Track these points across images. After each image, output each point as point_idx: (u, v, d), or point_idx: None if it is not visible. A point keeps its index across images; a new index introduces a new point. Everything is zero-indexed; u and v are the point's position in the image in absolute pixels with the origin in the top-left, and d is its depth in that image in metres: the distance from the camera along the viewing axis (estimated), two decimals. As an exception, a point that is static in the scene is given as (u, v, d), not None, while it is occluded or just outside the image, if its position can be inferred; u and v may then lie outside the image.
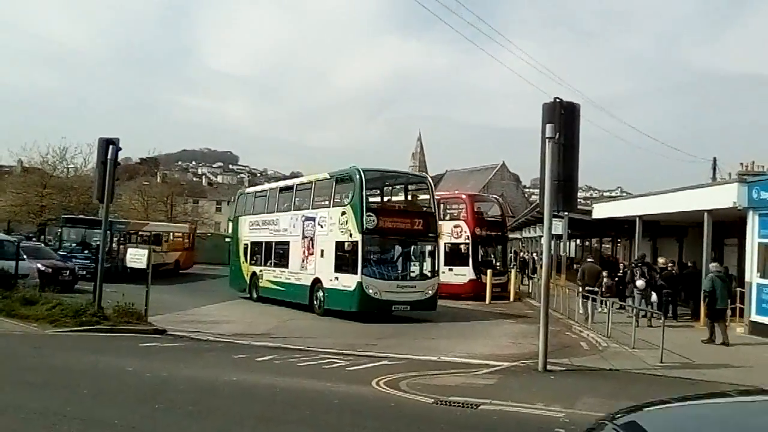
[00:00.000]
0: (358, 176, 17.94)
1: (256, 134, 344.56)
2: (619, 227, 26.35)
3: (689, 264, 19.46)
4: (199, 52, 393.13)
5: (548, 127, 10.46)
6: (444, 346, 13.79)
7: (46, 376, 8.82)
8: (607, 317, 14.94)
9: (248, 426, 6.73)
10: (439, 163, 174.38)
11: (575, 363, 11.84)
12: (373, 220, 17.68)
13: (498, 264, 27.20)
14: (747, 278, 15.69)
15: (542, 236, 12.67)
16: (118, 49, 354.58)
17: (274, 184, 26.23)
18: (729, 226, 18.03)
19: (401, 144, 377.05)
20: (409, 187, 21.98)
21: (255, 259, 23.16)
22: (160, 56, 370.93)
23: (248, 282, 23.10)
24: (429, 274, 19.15)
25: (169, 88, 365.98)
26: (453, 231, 25.50)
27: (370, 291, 17.39)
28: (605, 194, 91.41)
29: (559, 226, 24.37)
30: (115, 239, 27.25)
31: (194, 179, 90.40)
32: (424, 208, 20.08)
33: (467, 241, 25.64)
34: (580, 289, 18.53)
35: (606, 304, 16.32)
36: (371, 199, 19.30)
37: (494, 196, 35.14)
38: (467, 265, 25.37)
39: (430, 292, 18.49)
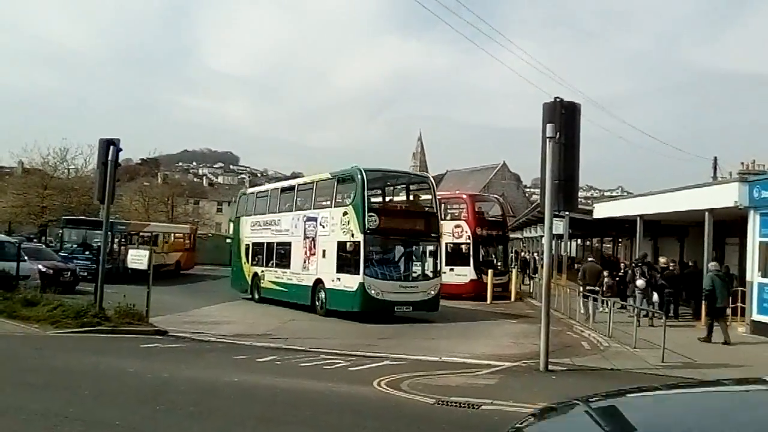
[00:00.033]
0: (359, 176, 17.92)
1: (257, 134, 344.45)
2: (620, 227, 26.33)
3: (690, 263, 19.47)
4: (199, 52, 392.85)
5: (549, 126, 10.46)
6: (445, 346, 13.78)
7: (48, 377, 8.84)
8: (608, 317, 14.94)
9: (249, 427, 6.73)
10: (439, 163, 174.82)
11: (577, 363, 11.84)
12: (375, 221, 17.66)
13: (499, 264, 27.21)
14: (748, 277, 15.69)
15: (543, 236, 12.66)
16: (118, 49, 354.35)
17: (275, 185, 26.23)
18: (730, 226, 18.01)
19: (401, 144, 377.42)
20: (411, 187, 21.96)
21: (256, 259, 23.16)
22: (160, 56, 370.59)
23: (250, 283, 23.10)
24: (431, 275, 19.10)
25: (169, 88, 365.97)
26: (454, 231, 25.49)
27: (373, 291, 17.36)
28: (606, 194, 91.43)
29: (560, 226, 24.38)
30: (116, 240, 27.29)
31: (195, 180, 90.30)
32: (426, 208, 20.07)
33: (468, 241, 25.63)
34: (581, 288, 18.55)
35: (607, 304, 16.32)
36: (373, 199, 19.28)
37: (495, 196, 35.13)
38: (468, 265, 25.37)
39: (432, 292, 18.46)
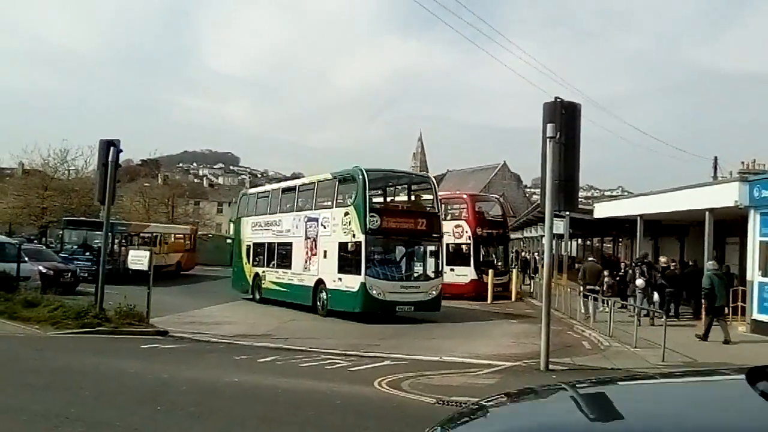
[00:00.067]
0: (361, 176, 17.88)
1: (257, 135, 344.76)
2: (621, 226, 26.32)
3: (690, 263, 19.47)
4: (199, 52, 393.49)
5: (549, 126, 10.45)
6: (446, 346, 13.78)
7: (48, 378, 8.84)
8: (609, 316, 14.94)
9: (250, 427, 6.73)
10: (440, 163, 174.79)
11: (577, 362, 11.84)
12: (377, 221, 17.63)
13: (499, 264, 27.20)
14: (748, 277, 15.69)
15: (543, 236, 12.65)
16: (118, 50, 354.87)
17: (276, 185, 26.23)
18: (730, 225, 18.01)
19: (402, 144, 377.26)
20: (413, 187, 21.95)
21: (257, 260, 23.16)
22: (160, 56, 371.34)
23: (251, 283, 23.09)
24: (433, 275, 19.00)
25: (169, 88, 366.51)
26: (454, 231, 25.47)
27: (374, 292, 17.33)
28: (606, 193, 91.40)
29: (560, 226, 24.34)
30: (116, 241, 27.33)
31: (195, 180, 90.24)
32: (428, 208, 20.05)
33: (469, 241, 25.62)
34: (582, 288, 18.55)
35: (607, 304, 16.32)
36: (374, 200, 19.27)
37: (495, 195, 35.11)
38: (469, 265, 25.36)
39: (434, 292, 18.42)
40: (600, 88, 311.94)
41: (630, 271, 18.87)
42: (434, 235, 19.08)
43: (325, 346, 13.29)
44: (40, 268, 19.70)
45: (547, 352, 10.82)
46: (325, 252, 18.86)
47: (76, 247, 27.77)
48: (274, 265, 22.00)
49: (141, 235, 31.40)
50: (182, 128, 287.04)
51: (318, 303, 18.96)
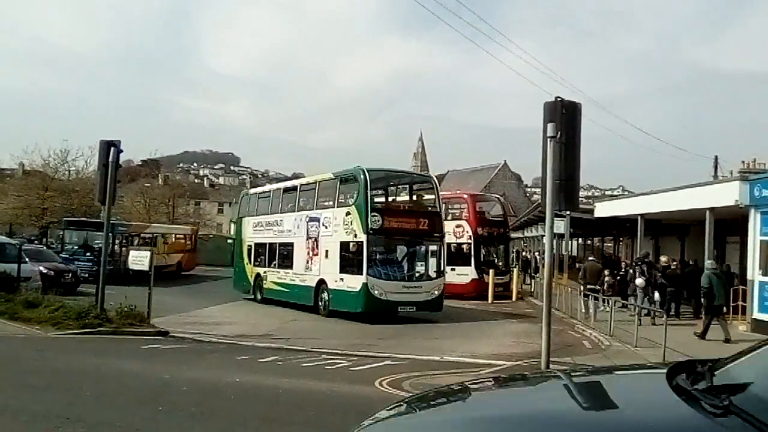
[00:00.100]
0: (362, 176, 17.86)
1: (257, 135, 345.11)
2: (621, 226, 26.32)
3: (691, 262, 19.47)
4: (199, 52, 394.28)
5: (549, 126, 10.43)
6: (447, 345, 13.78)
7: (49, 378, 8.83)
8: (610, 316, 14.94)
9: (252, 427, 6.73)
10: (440, 163, 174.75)
11: (578, 362, 11.82)
12: (378, 221, 17.60)
13: (500, 263, 27.20)
14: (749, 276, 15.69)
15: (544, 235, 12.64)
16: (117, 50, 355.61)
17: (277, 185, 26.21)
18: (731, 224, 18.00)
19: (402, 144, 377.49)
20: (414, 186, 21.92)
21: (259, 260, 23.16)
22: (160, 57, 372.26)
23: (252, 283, 23.09)
24: (434, 275, 18.95)
25: (169, 88, 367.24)
26: (455, 231, 25.47)
27: (376, 292, 17.30)
28: (607, 193, 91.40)
29: (561, 226, 24.33)
30: (117, 241, 27.34)
31: (196, 181, 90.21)
32: (430, 208, 20.04)
33: (469, 240, 25.63)
34: (582, 287, 18.55)
35: (608, 303, 16.32)
36: (376, 199, 19.26)
37: (496, 195, 35.12)
38: (469, 264, 25.36)
39: (436, 292, 18.40)
40: (600, 87, 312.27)
41: (630, 271, 18.87)
42: (436, 234, 19.03)
43: (327, 346, 13.29)
44: (41, 268, 19.70)
45: (548, 351, 10.79)
46: (327, 252, 18.84)
47: (76, 247, 27.75)
48: (275, 265, 21.98)
49: (141, 235, 31.39)
50: (182, 128, 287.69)
51: (320, 303, 18.95)
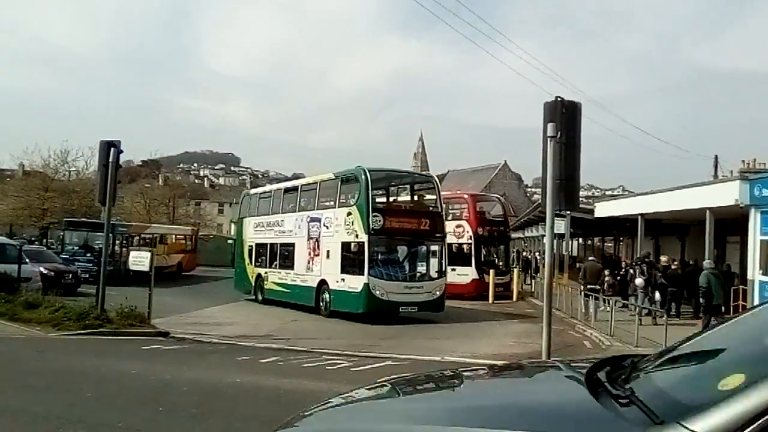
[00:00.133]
0: (363, 176, 17.82)
1: (258, 135, 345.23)
2: (622, 226, 26.33)
3: (691, 262, 19.46)
4: (199, 52, 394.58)
5: (550, 126, 10.43)
6: (447, 346, 13.77)
7: (50, 379, 8.84)
8: (610, 316, 14.93)
9: (252, 428, 6.72)
10: (440, 163, 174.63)
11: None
12: (380, 221, 17.56)
13: (501, 263, 27.18)
14: (749, 276, 15.69)
15: (545, 235, 12.64)
16: (117, 50, 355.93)
17: (278, 185, 26.18)
18: (731, 224, 18.00)
19: (402, 144, 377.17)
20: (416, 186, 21.87)
21: (260, 260, 23.13)
22: (160, 57, 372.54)
23: (253, 284, 23.07)
24: (436, 275, 18.86)
25: (169, 89, 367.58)
26: (455, 231, 25.45)
27: (377, 292, 17.26)
28: (607, 193, 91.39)
29: (561, 226, 24.35)
30: (117, 242, 27.33)
31: (196, 181, 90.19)
32: (431, 208, 20.01)
33: (470, 241, 25.61)
34: (583, 287, 18.54)
35: (609, 303, 16.31)
36: (377, 200, 19.22)
37: (496, 195, 35.08)
38: (470, 265, 25.33)
39: (437, 292, 18.35)
40: (600, 87, 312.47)
41: (631, 271, 18.86)
42: (437, 234, 18.98)
43: (328, 346, 13.27)
44: (41, 269, 19.70)
45: (549, 351, 10.80)
46: (328, 252, 18.81)
47: (77, 248, 27.74)
48: (276, 265, 21.95)
49: (142, 235, 31.37)
50: (183, 129, 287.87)
51: (321, 304, 18.91)
